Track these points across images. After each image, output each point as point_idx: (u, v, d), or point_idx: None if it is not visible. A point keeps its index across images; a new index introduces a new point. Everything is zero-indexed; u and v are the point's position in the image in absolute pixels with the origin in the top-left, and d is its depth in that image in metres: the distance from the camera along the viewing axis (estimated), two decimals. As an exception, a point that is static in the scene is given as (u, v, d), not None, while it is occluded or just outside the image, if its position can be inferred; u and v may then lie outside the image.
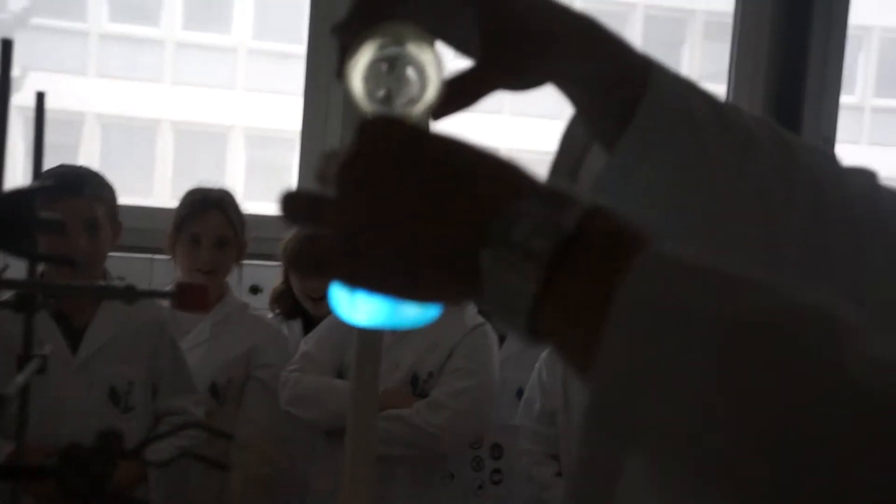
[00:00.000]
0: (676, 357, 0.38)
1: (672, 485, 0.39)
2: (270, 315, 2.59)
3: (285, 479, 2.36)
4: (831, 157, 0.69)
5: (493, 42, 0.58)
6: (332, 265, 0.49)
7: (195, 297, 1.09)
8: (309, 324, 2.50)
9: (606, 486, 0.42)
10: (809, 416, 0.35)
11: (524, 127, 5.53)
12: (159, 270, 2.55)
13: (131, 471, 2.02)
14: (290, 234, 2.45)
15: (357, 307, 0.54)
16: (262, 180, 5.10)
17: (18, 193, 0.92)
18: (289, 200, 0.50)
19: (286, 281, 2.51)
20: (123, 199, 2.29)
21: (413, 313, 0.54)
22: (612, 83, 0.60)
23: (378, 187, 0.47)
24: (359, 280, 0.49)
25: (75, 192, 2.11)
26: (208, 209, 2.40)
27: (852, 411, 0.35)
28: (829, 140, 3.41)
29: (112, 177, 2.25)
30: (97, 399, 2.11)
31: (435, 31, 0.58)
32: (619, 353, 0.40)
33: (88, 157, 5.06)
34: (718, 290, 0.40)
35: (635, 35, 5.24)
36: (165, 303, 1.69)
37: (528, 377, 2.40)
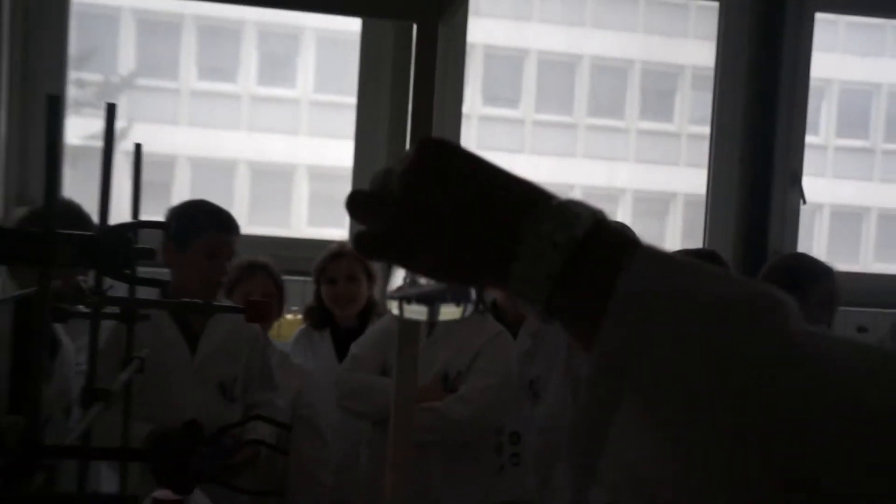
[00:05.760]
0: (669, 322, 0.41)
1: (665, 417, 0.40)
2: (303, 325, 2.65)
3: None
4: (861, 350, 0.42)
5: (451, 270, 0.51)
6: (392, 248, 0.50)
7: (261, 310, 1.12)
8: (335, 332, 2.56)
9: (602, 422, 0.42)
10: (768, 366, 0.39)
11: (539, 165, 5.51)
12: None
13: (246, 456, 2.07)
14: (321, 256, 2.51)
15: (406, 304, 0.55)
16: (322, 210, 5.14)
17: (120, 227, 0.93)
18: (355, 197, 0.52)
19: (317, 298, 2.57)
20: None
21: (451, 310, 0.55)
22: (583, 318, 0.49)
23: (433, 189, 0.49)
24: (411, 262, 0.51)
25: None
26: (255, 272, 2.52)
27: (798, 363, 0.39)
28: (797, 173, 3.39)
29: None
30: (210, 392, 2.17)
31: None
32: (622, 318, 0.42)
33: (180, 193, 5.14)
34: (698, 277, 0.43)
35: (635, 87, 5.23)
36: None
37: (538, 371, 2.38)
